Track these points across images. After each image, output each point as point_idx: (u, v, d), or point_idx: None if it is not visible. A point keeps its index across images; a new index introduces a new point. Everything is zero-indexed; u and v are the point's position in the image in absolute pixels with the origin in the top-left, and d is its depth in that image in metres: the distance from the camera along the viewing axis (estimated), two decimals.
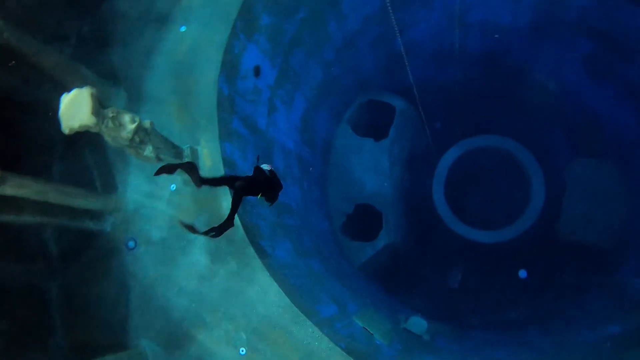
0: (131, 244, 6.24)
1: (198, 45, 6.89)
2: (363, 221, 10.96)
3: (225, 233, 4.71)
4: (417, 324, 8.46)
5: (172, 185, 6.38)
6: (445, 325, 9.92)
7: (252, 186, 4.96)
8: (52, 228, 6.26)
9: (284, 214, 8.04)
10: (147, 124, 5.43)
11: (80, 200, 6.18)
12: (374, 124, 11.75)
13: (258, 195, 5.05)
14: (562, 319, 9.67)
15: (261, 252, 6.09)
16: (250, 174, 5.20)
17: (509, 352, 8.87)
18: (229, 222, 4.63)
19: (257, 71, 7.74)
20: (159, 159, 5.68)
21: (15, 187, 5.24)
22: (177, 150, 6.07)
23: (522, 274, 10.80)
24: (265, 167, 5.35)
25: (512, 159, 12.22)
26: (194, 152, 6.39)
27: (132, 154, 5.44)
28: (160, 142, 5.70)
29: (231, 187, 4.96)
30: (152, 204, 6.30)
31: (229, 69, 7.05)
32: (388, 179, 11.15)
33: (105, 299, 6.12)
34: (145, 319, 6.08)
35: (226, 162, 6.66)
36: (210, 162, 6.44)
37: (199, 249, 6.18)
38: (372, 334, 6.91)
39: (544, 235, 11.08)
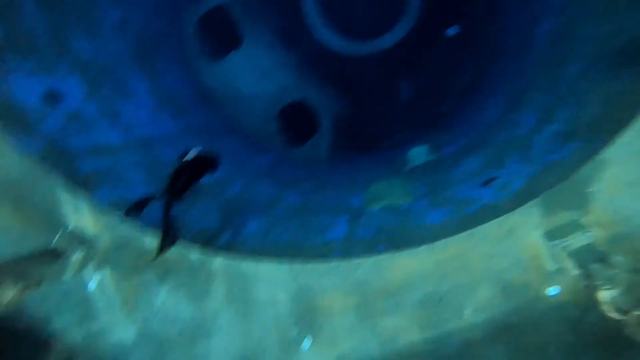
0: None
1: None
2: (295, 121, 9.35)
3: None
4: (417, 154, 7.32)
5: (91, 283, 4.62)
6: (435, 133, 8.87)
7: (200, 170, 4.60)
8: None
9: (223, 186, 6.38)
10: None
11: None
12: (222, 36, 9.55)
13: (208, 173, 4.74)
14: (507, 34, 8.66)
15: (231, 250, 4.57)
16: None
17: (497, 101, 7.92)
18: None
19: (51, 96, 5.49)
20: (37, 285, 3.87)
21: None
22: (48, 255, 4.20)
23: (453, 30, 9.52)
24: (191, 152, 4.73)
25: None
26: (73, 233, 4.53)
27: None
28: (14, 266, 3.83)
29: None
30: (91, 323, 4.59)
31: (18, 124, 4.87)
32: (280, 67, 9.30)
33: None
34: None
35: (116, 207, 4.85)
36: (99, 224, 4.62)
37: (180, 305, 4.65)
38: (393, 205, 5.72)
39: None
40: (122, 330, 4.64)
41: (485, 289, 4.11)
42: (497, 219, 4.24)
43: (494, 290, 4.08)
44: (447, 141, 7.99)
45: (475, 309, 4.12)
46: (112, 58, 6.92)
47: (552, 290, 3.84)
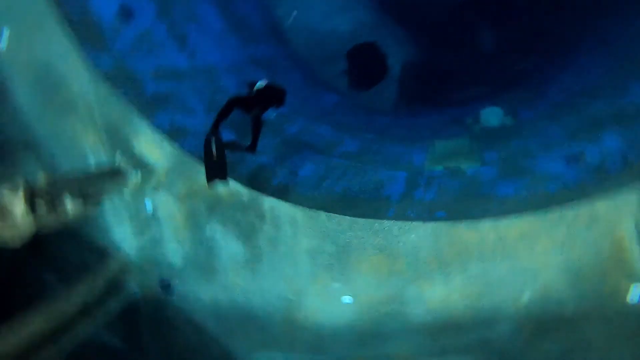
0: (166, 282, 4.85)
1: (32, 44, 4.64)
2: (363, 64, 8.71)
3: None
4: (490, 115, 6.56)
5: (148, 207, 4.69)
6: (514, 93, 7.90)
7: (264, 102, 4.34)
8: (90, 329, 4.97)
9: (283, 125, 6.12)
10: (40, 179, 3.62)
11: (91, 289, 4.80)
12: None
13: (274, 106, 4.46)
14: None
15: (284, 193, 4.39)
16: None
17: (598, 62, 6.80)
18: (251, 148, 4.12)
19: (125, 11, 5.33)
20: (99, 200, 3.94)
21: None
22: (110, 173, 4.25)
23: None
24: (260, 83, 4.44)
25: None
26: (134, 155, 4.54)
27: (59, 225, 3.72)
28: (78, 181, 3.90)
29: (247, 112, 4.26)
30: (145, 241, 4.72)
31: (89, 38, 4.78)
32: (355, 3, 8.54)
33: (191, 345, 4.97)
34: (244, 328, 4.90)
35: (175, 134, 4.78)
36: (158, 152, 4.59)
37: (227, 238, 4.63)
38: (458, 168, 5.19)
39: None
40: (171, 253, 4.78)
41: (550, 276, 3.66)
42: (580, 201, 3.67)
43: (561, 279, 3.62)
44: (527, 103, 7.06)
45: (534, 294, 3.71)
46: None
47: (635, 292, 3.31)
